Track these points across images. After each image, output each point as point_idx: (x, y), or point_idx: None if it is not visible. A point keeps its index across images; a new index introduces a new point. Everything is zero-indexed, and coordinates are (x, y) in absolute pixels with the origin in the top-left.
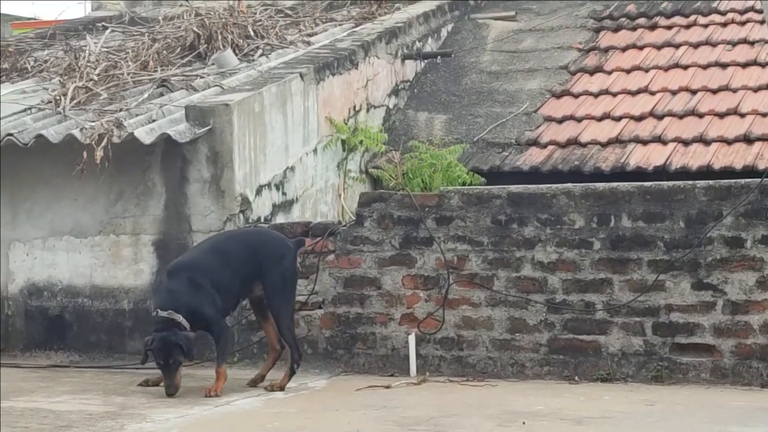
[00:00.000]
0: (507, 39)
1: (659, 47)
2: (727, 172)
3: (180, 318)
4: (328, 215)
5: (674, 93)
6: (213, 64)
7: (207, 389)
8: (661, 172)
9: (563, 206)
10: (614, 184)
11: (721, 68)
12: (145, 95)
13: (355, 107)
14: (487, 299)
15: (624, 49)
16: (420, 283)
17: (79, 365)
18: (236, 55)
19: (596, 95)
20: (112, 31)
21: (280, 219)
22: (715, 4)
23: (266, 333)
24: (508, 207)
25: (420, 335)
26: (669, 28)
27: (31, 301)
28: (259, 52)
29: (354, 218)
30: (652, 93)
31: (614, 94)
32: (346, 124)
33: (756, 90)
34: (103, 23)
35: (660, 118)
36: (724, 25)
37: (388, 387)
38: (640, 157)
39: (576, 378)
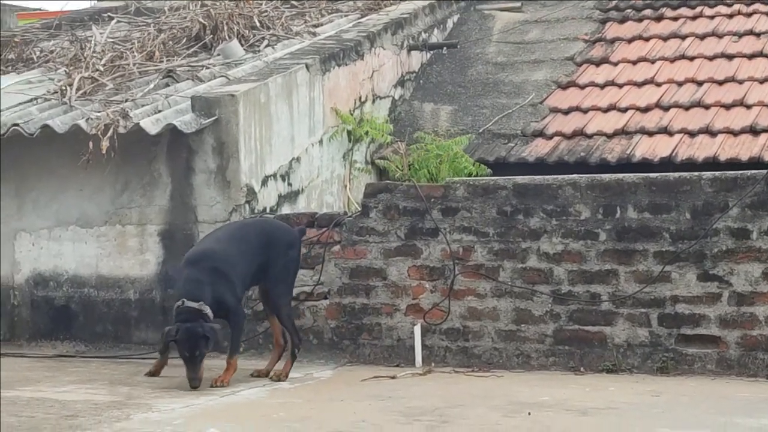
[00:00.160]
0: (513, 30)
1: (665, 38)
2: (733, 164)
3: (207, 309)
4: (334, 206)
5: (680, 84)
6: (219, 54)
7: (214, 379)
8: (667, 164)
9: (569, 197)
10: (620, 175)
11: (728, 59)
12: (151, 86)
13: (360, 98)
14: (493, 290)
15: (630, 41)
16: (425, 273)
17: (85, 355)
18: (242, 45)
19: (602, 86)
20: (118, 21)
21: (285, 210)
22: None
23: (272, 326)
24: (513, 198)
25: (425, 326)
26: (675, 19)
27: (37, 291)
28: (265, 42)
29: (360, 209)
30: (658, 84)
31: (620, 86)
32: (351, 115)
33: (762, 81)
34: (108, 14)
35: (666, 109)
36: (731, 16)
37: (393, 377)
38: (646, 148)
39: (581, 369)
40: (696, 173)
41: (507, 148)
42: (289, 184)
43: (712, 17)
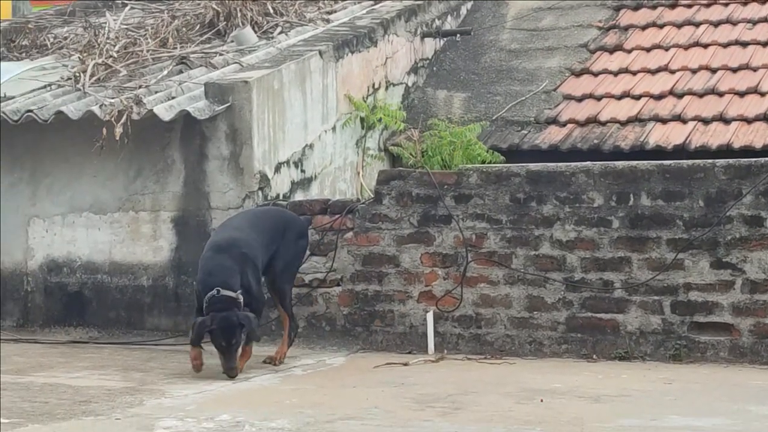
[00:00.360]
0: (526, 17)
1: (679, 26)
2: (747, 151)
3: (241, 298)
4: (347, 193)
5: (694, 71)
6: (232, 41)
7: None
8: (681, 151)
9: (582, 184)
10: (633, 163)
11: (742, 47)
12: (165, 72)
13: (374, 85)
14: (506, 277)
15: (644, 28)
16: (438, 260)
17: (98, 341)
18: (255, 32)
19: (616, 74)
20: (132, 8)
21: (298, 196)
22: None
23: (281, 313)
24: (527, 185)
25: (438, 313)
26: (689, 6)
27: (50, 277)
28: (279, 29)
29: (373, 196)
30: (672, 71)
31: (634, 73)
32: (365, 101)
33: None
34: (122, 0)
35: (680, 96)
36: (745, 3)
37: (405, 364)
38: (659, 135)
39: (594, 356)
40: (710, 161)
41: (520, 136)
42: (302, 171)
43: (726, 4)
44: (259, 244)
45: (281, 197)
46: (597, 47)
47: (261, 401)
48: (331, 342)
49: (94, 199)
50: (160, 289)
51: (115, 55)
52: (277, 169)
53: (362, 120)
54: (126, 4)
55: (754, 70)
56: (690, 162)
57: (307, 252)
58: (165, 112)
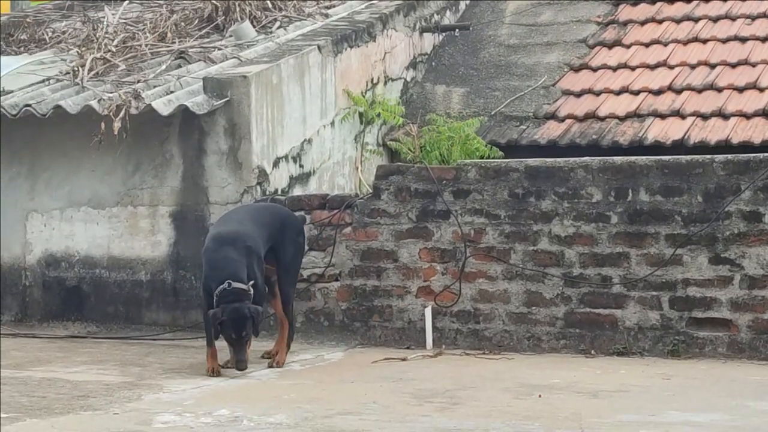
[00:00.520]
0: (525, 12)
1: (678, 21)
2: (746, 147)
3: (251, 290)
4: (345, 188)
5: (693, 67)
6: (231, 36)
7: (225, 360)
8: (680, 146)
9: (581, 180)
10: (632, 158)
11: (741, 42)
12: (163, 67)
13: (372, 80)
14: (504, 273)
15: (643, 23)
16: (437, 256)
17: (97, 336)
18: (254, 27)
19: (615, 69)
20: (130, 2)
21: (297, 191)
22: None
23: (275, 310)
24: (525, 180)
25: (436, 308)
26: (688, 1)
27: (48, 271)
28: (277, 24)
29: (371, 191)
30: (671, 67)
31: (633, 68)
32: (363, 96)
33: None
34: None
35: (679, 92)
36: None
37: (404, 359)
38: (658, 131)
39: (592, 352)
40: (708, 156)
41: (519, 131)
42: (301, 166)
43: (725, 0)
44: (261, 238)
45: (279, 192)
46: (596, 42)
47: (259, 396)
48: (329, 337)
49: (92, 193)
50: (158, 283)
51: (114, 49)
52: (276, 163)
53: (361, 115)
54: None
55: (753, 65)
56: (689, 157)
57: (306, 247)
58: (163, 106)
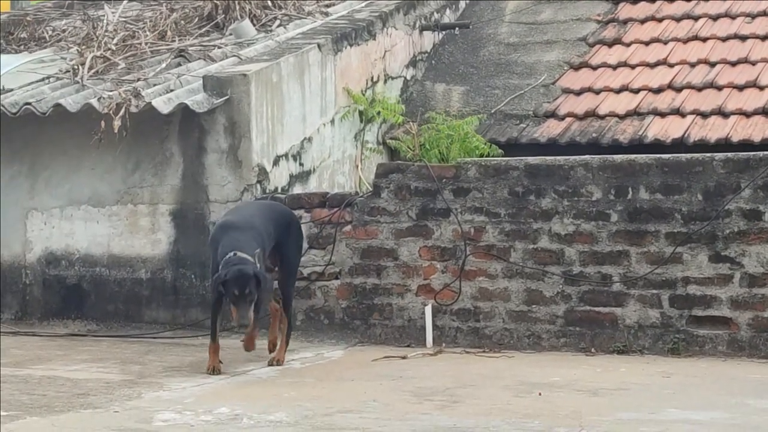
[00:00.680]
0: (525, 10)
1: (678, 19)
2: (746, 145)
3: (258, 263)
4: (345, 186)
5: (693, 65)
6: (231, 34)
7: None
8: (679, 145)
9: (581, 178)
10: (632, 156)
11: (741, 41)
12: (163, 65)
13: (372, 78)
14: (504, 271)
15: (643, 21)
16: (437, 254)
17: (97, 334)
18: (254, 25)
19: (615, 67)
20: (130, 0)
21: (297, 189)
22: None
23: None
24: (525, 179)
25: (436, 306)
26: (688, 0)
27: (48, 270)
28: (277, 22)
29: (371, 189)
30: (671, 65)
31: (633, 66)
32: (363, 95)
33: None
34: None
35: (678, 90)
36: None
37: (404, 358)
38: (658, 129)
39: (592, 350)
40: (708, 154)
41: (519, 129)
42: (301, 164)
43: None
44: (267, 233)
45: (280, 190)
46: (596, 41)
47: (259, 394)
48: (329, 335)
49: (92, 192)
50: (158, 282)
51: (114, 47)
52: (276, 162)
53: (361, 113)
54: None
55: (753, 63)
56: (688, 156)
57: (305, 245)
58: (163, 105)
